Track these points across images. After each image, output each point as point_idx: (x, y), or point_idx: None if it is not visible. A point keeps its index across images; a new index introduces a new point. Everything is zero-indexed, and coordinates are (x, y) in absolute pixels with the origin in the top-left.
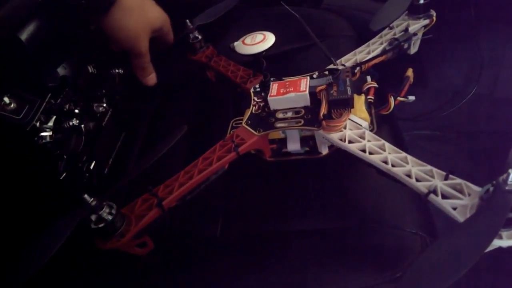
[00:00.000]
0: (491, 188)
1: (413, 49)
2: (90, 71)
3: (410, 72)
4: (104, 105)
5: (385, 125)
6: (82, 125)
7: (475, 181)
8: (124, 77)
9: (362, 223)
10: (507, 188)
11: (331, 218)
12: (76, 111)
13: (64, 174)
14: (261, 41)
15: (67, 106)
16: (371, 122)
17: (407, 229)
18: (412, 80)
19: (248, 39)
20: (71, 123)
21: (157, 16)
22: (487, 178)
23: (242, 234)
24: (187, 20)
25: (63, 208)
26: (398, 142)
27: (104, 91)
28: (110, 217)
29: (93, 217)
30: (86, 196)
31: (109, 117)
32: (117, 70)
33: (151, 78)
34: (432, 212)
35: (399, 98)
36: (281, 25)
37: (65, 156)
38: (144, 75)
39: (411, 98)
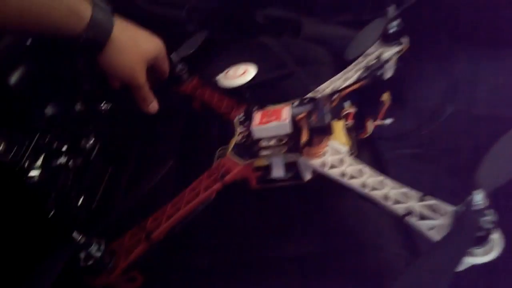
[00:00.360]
0: (462, 208)
1: (387, 74)
2: (78, 108)
3: (386, 96)
4: (92, 141)
5: (366, 148)
6: (70, 162)
7: (458, 197)
8: (111, 112)
9: (345, 246)
10: (474, 208)
11: (314, 243)
12: (64, 148)
13: (52, 212)
14: (243, 74)
15: (55, 145)
16: (352, 147)
17: (390, 250)
18: (388, 104)
19: (231, 71)
20: (58, 162)
21: (151, 46)
22: (469, 194)
23: (228, 263)
24: (173, 54)
25: (52, 246)
26: (379, 164)
27: (92, 127)
28: (99, 254)
29: (82, 255)
30: (75, 233)
31: (97, 152)
32: (104, 106)
33: (152, 107)
34: (415, 231)
35: (376, 122)
36: (263, 55)
37: (53, 194)
38: (145, 105)
39: (388, 121)
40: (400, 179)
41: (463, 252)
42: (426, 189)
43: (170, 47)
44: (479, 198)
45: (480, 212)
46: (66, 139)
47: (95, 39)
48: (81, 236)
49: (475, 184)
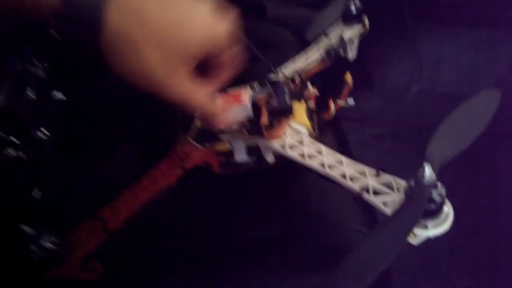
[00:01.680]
0: (413, 182)
1: (351, 55)
2: (29, 97)
3: (348, 77)
4: (45, 131)
5: (329, 130)
6: (21, 154)
7: None
8: (67, 101)
9: (307, 226)
10: (424, 181)
11: (277, 223)
12: (14, 139)
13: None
14: None
15: (3, 135)
16: (313, 128)
17: (350, 227)
18: (351, 84)
19: None
20: (7, 153)
21: (199, 30)
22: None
23: (192, 249)
24: None
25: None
26: (342, 145)
27: (44, 116)
28: (51, 246)
29: (34, 248)
30: (24, 226)
31: (54, 143)
32: (60, 96)
33: (220, 121)
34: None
35: (339, 103)
36: None
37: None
38: (213, 121)
39: (351, 102)
40: (365, 159)
41: (411, 225)
42: (391, 168)
43: None
44: (427, 171)
45: (429, 185)
46: (16, 130)
47: (77, 15)
48: (31, 229)
49: (425, 159)
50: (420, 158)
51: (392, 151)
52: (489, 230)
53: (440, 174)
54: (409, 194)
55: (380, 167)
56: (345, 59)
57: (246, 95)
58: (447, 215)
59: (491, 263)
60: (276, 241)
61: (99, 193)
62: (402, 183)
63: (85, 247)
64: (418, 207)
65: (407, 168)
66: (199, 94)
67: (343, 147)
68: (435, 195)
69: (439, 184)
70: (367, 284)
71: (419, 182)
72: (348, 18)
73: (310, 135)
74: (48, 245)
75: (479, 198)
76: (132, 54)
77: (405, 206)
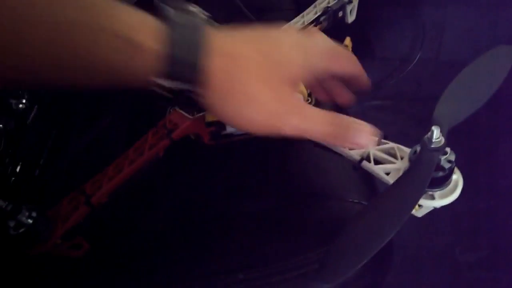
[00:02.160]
0: (418, 148)
1: (350, 18)
2: None
3: (348, 41)
4: (24, 101)
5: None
6: (0, 126)
7: None
8: None
9: (304, 198)
10: (432, 146)
11: (274, 196)
12: None
13: None
14: None
15: None
16: (309, 95)
17: (349, 199)
18: (351, 49)
19: None
20: None
21: (297, 57)
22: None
23: (183, 223)
24: None
25: None
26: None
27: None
28: (30, 221)
29: (11, 223)
30: (1, 201)
31: (35, 115)
32: None
33: (363, 139)
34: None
35: None
36: (220, 4)
37: None
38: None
39: None
40: None
41: (419, 192)
42: (393, 140)
43: None
44: (436, 134)
45: (437, 150)
46: None
47: (178, 78)
48: (7, 203)
49: (433, 122)
50: (422, 131)
51: (393, 123)
52: (489, 230)
53: (449, 138)
54: (414, 161)
55: (384, 135)
56: (344, 22)
57: None
58: (456, 184)
59: (491, 263)
60: (274, 213)
61: (83, 166)
62: (406, 150)
63: (67, 222)
64: (425, 174)
65: (408, 141)
66: (319, 116)
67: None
68: (443, 162)
69: (448, 150)
70: (366, 258)
71: (425, 147)
72: None
73: (306, 101)
74: (26, 220)
75: (479, 198)
76: (240, 95)
77: (409, 173)
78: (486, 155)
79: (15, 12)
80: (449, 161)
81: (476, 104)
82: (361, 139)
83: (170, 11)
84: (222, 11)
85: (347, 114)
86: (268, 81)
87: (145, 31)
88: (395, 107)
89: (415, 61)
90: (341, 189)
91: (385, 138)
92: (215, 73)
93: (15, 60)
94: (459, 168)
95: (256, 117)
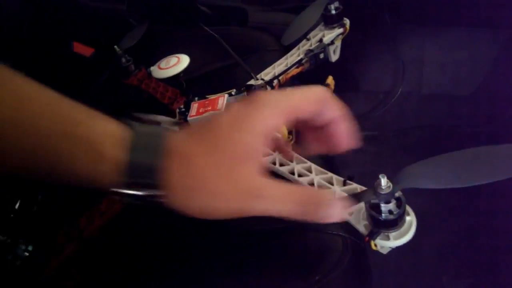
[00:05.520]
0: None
1: (334, 57)
2: None
3: (330, 80)
4: None
5: None
6: None
7: None
8: None
9: (286, 228)
10: (380, 192)
11: (255, 222)
12: None
13: None
14: (175, 64)
15: None
16: (290, 133)
17: (328, 231)
18: (333, 87)
19: (163, 63)
20: None
21: (271, 116)
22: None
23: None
24: (115, 46)
25: None
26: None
27: None
28: (26, 254)
29: (9, 256)
30: (0, 236)
31: None
32: None
33: (327, 216)
34: None
35: None
36: (210, 44)
37: None
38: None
39: None
40: (351, 162)
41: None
42: (377, 170)
43: (113, 40)
44: (383, 182)
45: (380, 195)
46: None
47: (139, 183)
48: (5, 238)
49: (396, 178)
50: (406, 159)
51: (377, 153)
52: (489, 230)
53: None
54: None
55: (348, 176)
56: (327, 62)
57: (222, 101)
58: (410, 226)
59: (491, 263)
60: (255, 241)
61: (76, 202)
62: None
63: (61, 255)
64: (353, 200)
65: (393, 170)
66: (285, 195)
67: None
68: (385, 209)
69: (393, 201)
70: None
71: (376, 191)
72: (328, 21)
73: (286, 140)
74: (24, 253)
75: (479, 198)
76: (203, 191)
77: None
78: None
79: None
80: (391, 211)
81: (447, 183)
82: (332, 217)
83: (134, 123)
84: (209, 53)
85: None
86: (226, 174)
87: (109, 140)
88: (380, 138)
89: (397, 94)
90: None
91: (350, 179)
92: (174, 173)
93: None
94: None
95: (223, 207)
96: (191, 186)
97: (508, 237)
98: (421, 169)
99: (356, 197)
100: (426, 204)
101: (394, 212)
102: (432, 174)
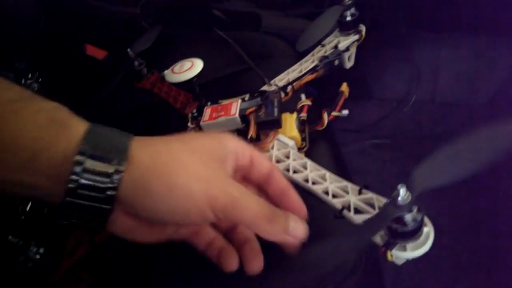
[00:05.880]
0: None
1: (349, 64)
2: None
3: (344, 87)
4: None
5: (323, 140)
6: None
7: None
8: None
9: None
10: (398, 203)
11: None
12: None
13: None
14: (189, 69)
15: None
16: (303, 139)
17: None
18: (347, 95)
19: (177, 67)
20: None
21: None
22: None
23: (183, 259)
24: (128, 49)
25: None
26: (336, 155)
27: None
28: (38, 256)
29: (21, 258)
30: (11, 237)
31: None
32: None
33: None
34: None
35: (333, 113)
36: (223, 49)
37: None
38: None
39: (345, 112)
40: (364, 170)
41: (366, 238)
42: (390, 178)
43: (126, 43)
44: (402, 193)
45: (401, 206)
46: None
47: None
48: (17, 240)
49: (405, 181)
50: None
51: (392, 161)
52: (489, 230)
53: (422, 198)
54: (379, 212)
55: (364, 185)
56: (341, 68)
57: (235, 106)
58: (427, 237)
59: (491, 263)
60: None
61: None
62: (384, 201)
63: (72, 258)
64: (378, 223)
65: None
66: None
67: (336, 158)
68: (408, 219)
69: (414, 209)
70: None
71: (393, 202)
72: (344, 27)
73: (300, 147)
74: (35, 256)
75: (479, 198)
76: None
77: (368, 220)
78: None
79: None
80: (414, 220)
81: (454, 176)
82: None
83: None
84: (223, 57)
85: (341, 152)
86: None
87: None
88: (394, 145)
89: (411, 102)
90: (324, 233)
91: (366, 188)
92: (138, 150)
93: None
94: None
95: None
96: (161, 162)
97: (508, 237)
98: (428, 167)
99: (380, 220)
100: (426, 204)
101: (408, 224)
102: (443, 169)
